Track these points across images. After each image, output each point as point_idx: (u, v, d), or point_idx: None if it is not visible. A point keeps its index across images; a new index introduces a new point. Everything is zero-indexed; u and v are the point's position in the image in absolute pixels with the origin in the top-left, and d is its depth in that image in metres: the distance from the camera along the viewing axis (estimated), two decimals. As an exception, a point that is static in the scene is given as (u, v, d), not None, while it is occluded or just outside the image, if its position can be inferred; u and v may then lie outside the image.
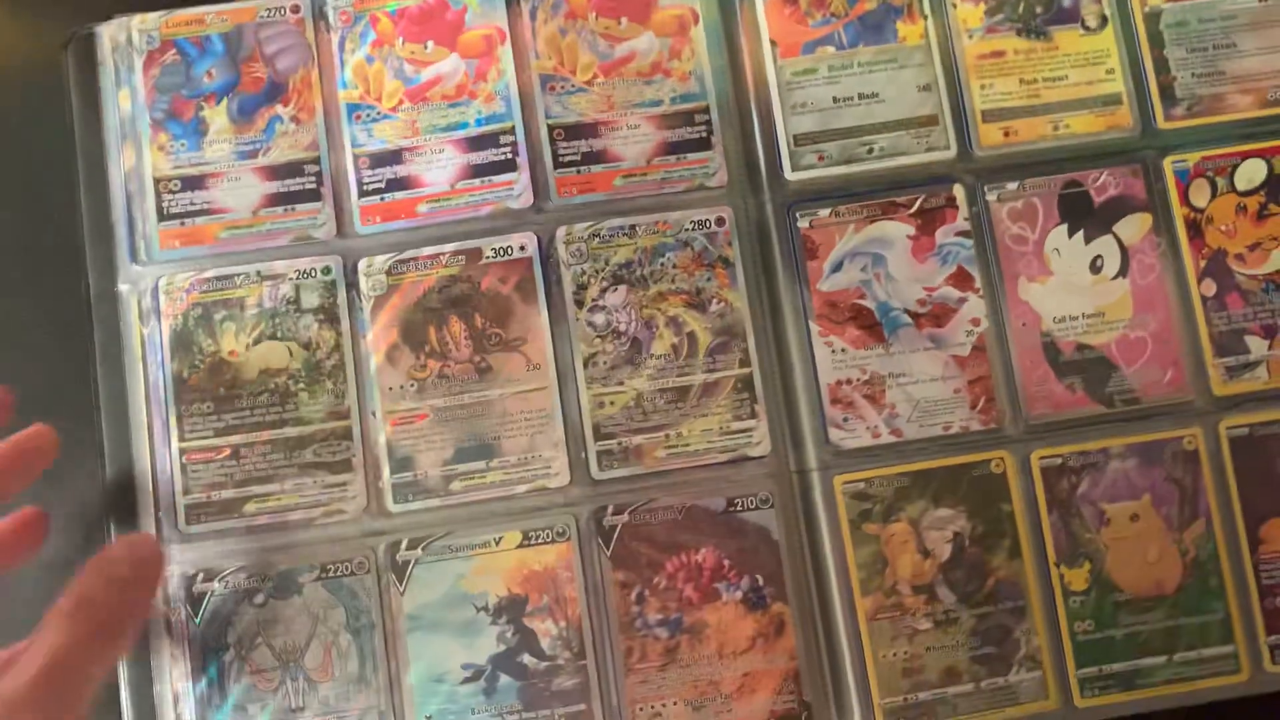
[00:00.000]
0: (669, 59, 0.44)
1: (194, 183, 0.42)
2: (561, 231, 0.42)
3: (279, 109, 0.43)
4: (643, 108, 0.43)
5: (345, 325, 0.42)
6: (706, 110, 0.43)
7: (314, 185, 0.43)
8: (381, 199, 0.43)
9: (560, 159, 0.43)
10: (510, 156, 0.43)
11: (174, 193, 0.42)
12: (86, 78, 0.44)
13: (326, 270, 0.42)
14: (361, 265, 0.42)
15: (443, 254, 0.42)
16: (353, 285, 0.42)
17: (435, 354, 0.42)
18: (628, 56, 0.44)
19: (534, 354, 0.42)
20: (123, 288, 0.42)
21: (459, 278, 0.42)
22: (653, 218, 0.43)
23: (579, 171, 0.43)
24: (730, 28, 0.44)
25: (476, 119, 0.43)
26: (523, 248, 0.42)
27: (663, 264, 0.43)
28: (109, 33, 0.44)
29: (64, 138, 0.43)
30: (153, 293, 0.42)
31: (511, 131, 0.43)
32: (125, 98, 0.43)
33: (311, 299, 0.42)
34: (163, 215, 0.42)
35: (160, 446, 0.41)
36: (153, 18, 0.43)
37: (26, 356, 0.43)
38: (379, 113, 0.43)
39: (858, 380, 0.42)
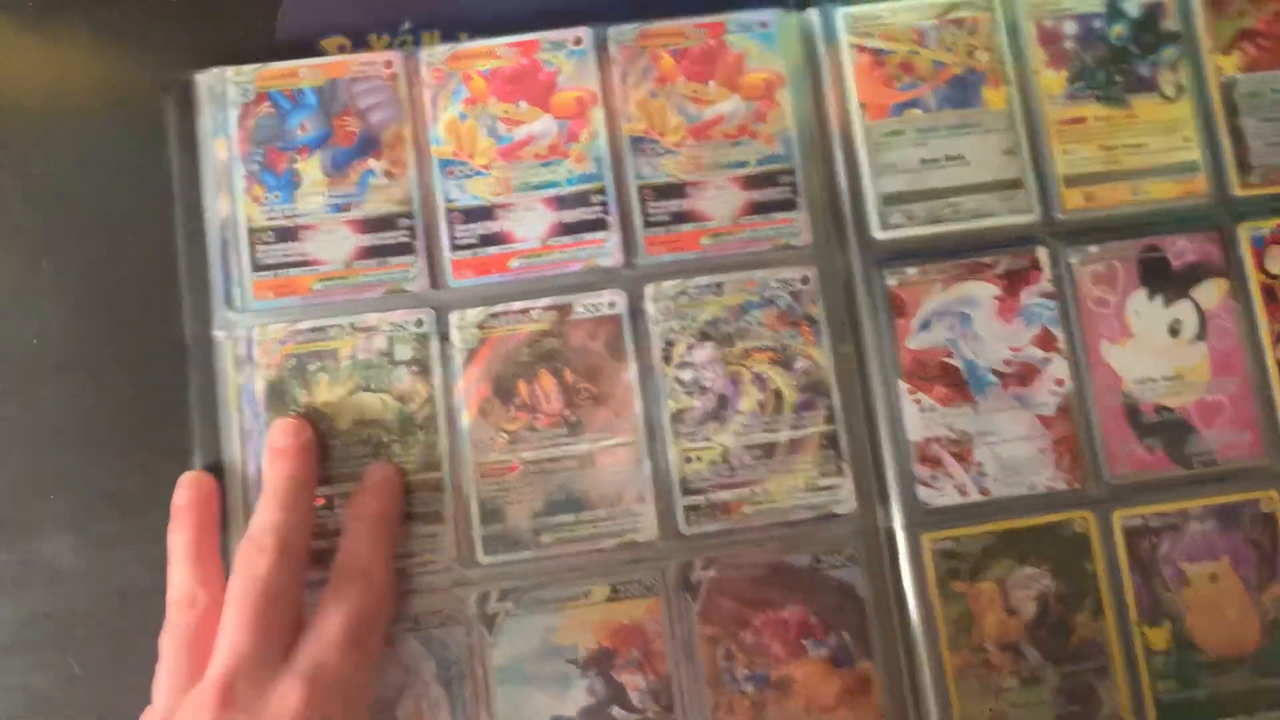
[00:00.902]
0: (755, 121, 0.45)
1: (287, 234, 0.44)
2: (650, 289, 0.44)
3: (372, 163, 0.45)
4: (730, 169, 0.45)
5: (437, 378, 0.43)
6: (791, 171, 0.45)
7: (407, 239, 0.44)
8: (473, 254, 0.44)
9: (650, 218, 0.44)
10: (601, 215, 0.44)
11: (268, 244, 0.44)
12: (185, 124, 0.45)
13: (419, 323, 0.44)
14: (453, 318, 0.44)
15: (533, 309, 0.44)
16: (445, 338, 0.44)
17: (525, 407, 0.43)
18: (715, 119, 0.45)
19: (623, 409, 0.43)
20: (218, 334, 0.44)
21: (549, 332, 0.44)
22: (739, 276, 0.44)
23: (668, 230, 0.44)
24: (817, 90, 0.46)
25: (568, 178, 0.45)
26: (612, 304, 0.44)
27: (749, 321, 0.44)
28: (206, 82, 0.45)
29: (162, 182, 0.45)
30: (247, 342, 0.43)
31: (602, 191, 0.45)
32: (221, 147, 0.45)
33: (404, 351, 0.43)
34: (257, 266, 0.44)
35: (254, 492, 0.42)
36: (248, 70, 0.45)
37: (121, 398, 0.44)
38: (471, 169, 0.45)
39: (946, 438, 0.44)
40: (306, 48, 0.47)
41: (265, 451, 0.43)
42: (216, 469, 0.43)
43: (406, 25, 0.47)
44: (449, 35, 0.46)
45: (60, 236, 0.45)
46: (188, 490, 0.42)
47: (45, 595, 0.43)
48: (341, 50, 0.46)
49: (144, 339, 0.45)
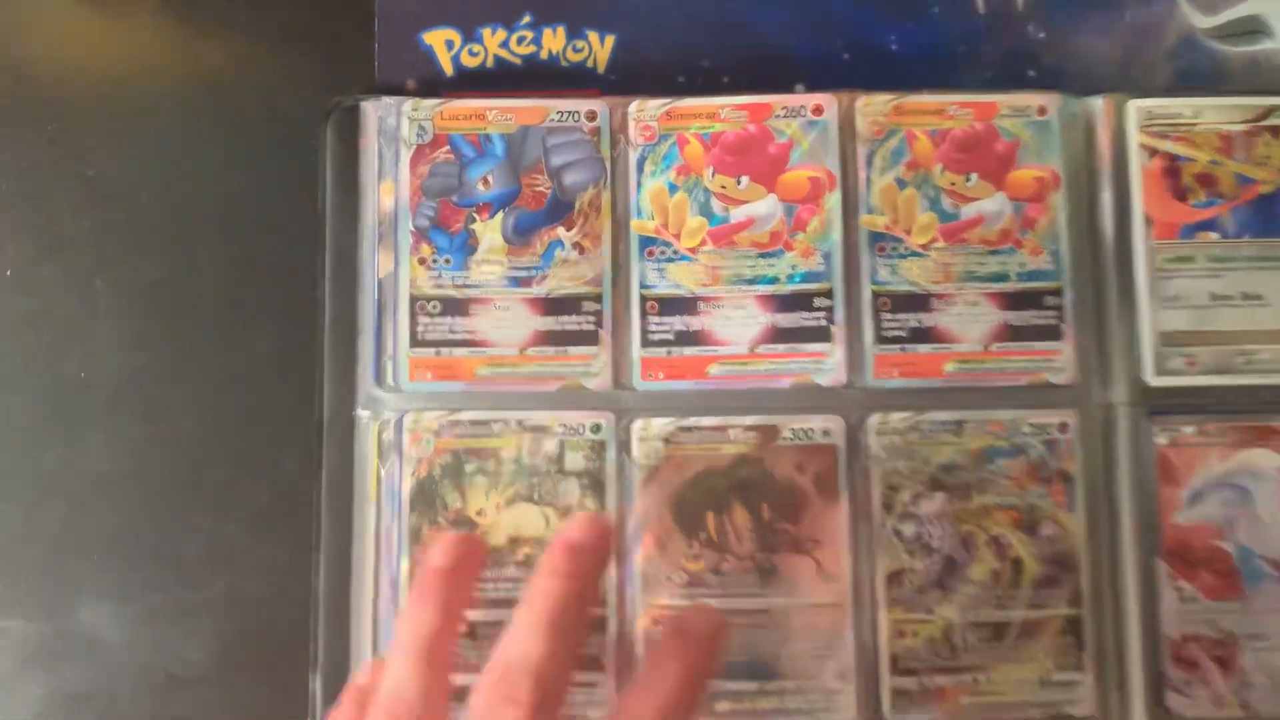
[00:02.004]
0: (1022, 227, 0.39)
1: (456, 307, 0.39)
2: (875, 420, 0.38)
3: (561, 232, 0.39)
4: (986, 282, 0.38)
5: (611, 496, 0.38)
6: (1060, 292, 0.38)
7: (592, 326, 0.38)
8: (667, 352, 0.38)
9: (883, 333, 0.38)
10: (824, 323, 0.38)
11: (432, 315, 0.39)
12: (345, 161, 0.40)
13: (596, 428, 0.38)
14: (636, 427, 0.38)
15: (732, 427, 0.38)
16: (625, 450, 0.38)
17: (712, 545, 0.38)
18: (975, 220, 0.39)
19: (828, 561, 0.37)
20: (361, 413, 0.39)
21: (749, 458, 0.38)
22: (985, 415, 0.38)
23: (903, 350, 0.38)
24: (1095, 197, 0.39)
25: (790, 275, 0.38)
26: (827, 433, 0.38)
27: (991, 471, 0.38)
28: (375, 112, 0.40)
29: (314, 224, 0.40)
30: (396, 427, 0.38)
31: (829, 294, 0.38)
32: (387, 193, 0.39)
33: (576, 460, 0.38)
34: (416, 340, 0.38)
35: (387, 609, 0.37)
36: (428, 105, 0.40)
37: (184, 446, 0.40)
38: (676, 251, 0.39)
39: (1207, 637, 0.37)
40: (408, 44, 0.42)
41: (541, 571, 0.34)
42: (343, 569, 0.38)
43: (527, 17, 0.41)
44: (576, 32, 0.40)
45: (120, 248, 0.41)
46: (453, 553, 0.35)
47: (82, 672, 0.40)
48: (449, 46, 0.41)
49: (280, 407, 0.40)
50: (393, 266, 0.40)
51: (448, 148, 0.40)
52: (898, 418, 0.38)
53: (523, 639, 0.32)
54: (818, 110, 0.40)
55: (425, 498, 0.39)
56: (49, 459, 0.40)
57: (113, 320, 0.41)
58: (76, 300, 0.41)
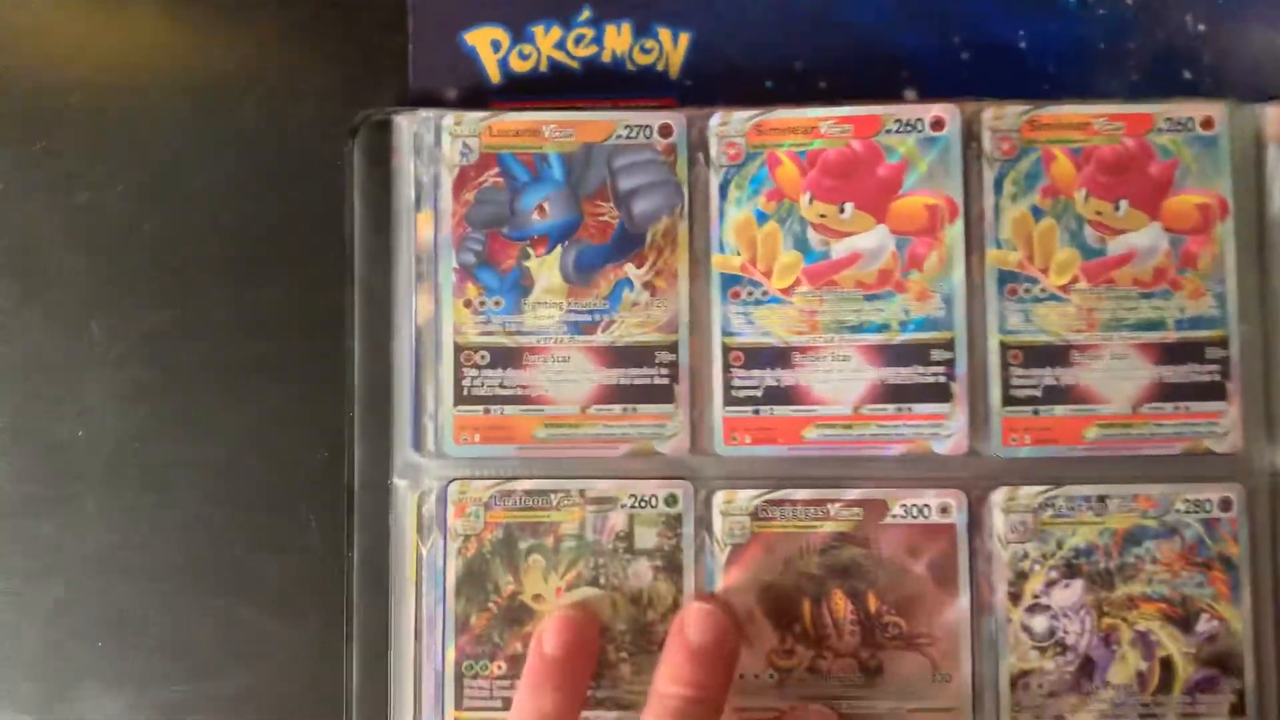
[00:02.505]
0: (1181, 265, 0.33)
1: (508, 357, 0.34)
2: (1001, 495, 0.33)
3: (630, 269, 0.34)
4: (1136, 330, 0.33)
5: (690, 579, 0.33)
6: (1224, 343, 0.33)
7: (666, 380, 0.33)
8: (755, 412, 0.33)
9: (1013, 392, 0.33)
10: (943, 379, 0.33)
11: (480, 367, 0.34)
12: (376, 186, 0.35)
13: (671, 500, 0.33)
14: (719, 500, 0.33)
15: (832, 501, 0.33)
16: (705, 525, 0.33)
17: (808, 638, 0.33)
18: (1124, 256, 0.33)
19: (944, 661, 0.32)
20: (399, 483, 0.34)
21: (851, 538, 0.33)
22: (1132, 489, 0.33)
23: (1036, 412, 0.33)
24: (1265, 228, 0.33)
25: (902, 322, 0.33)
26: (945, 510, 0.33)
27: (1138, 556, 0.33)
28: (410, 127, 0.34)
29: (340, 261, 0.35)
30: (440, 498, 0.33)
31: (949, 345, 0.33)
32: (426, 224, 0.34)
33: (648, 537, 0.33)
34: (462, 396, 0.34)
35: (430, 708, 0.33)
36: (472, 119, 0.34)
37: (266, 544, 0.36)
38: (765, 293, 0.33)
39: (1393, 757, 0.32)
40: (448, 47, 0.36)
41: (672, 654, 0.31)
42: (379, 662, 0.34)
43: (586, 13, 0.36)
44: (644, 29, 0.35)
45: (118, 288, 0.36)
46: (567, 637, 0.32)
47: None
48: (495, 48, 0.35)
49: (304, 476, 0.35)
50: (433, 310, 0.35)
51: (497, 170, 0.35)
52: (1029, 492, 0.33)
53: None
54: (937, 124, 0.34)
55: (474, 580, 0.34)
56: (42, 531, 0.36)
57: (110, 371, 0.36)
58: (68, 348, 0.36)
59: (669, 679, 0.31)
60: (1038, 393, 0.33)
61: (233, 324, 0.36)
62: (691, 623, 0.32)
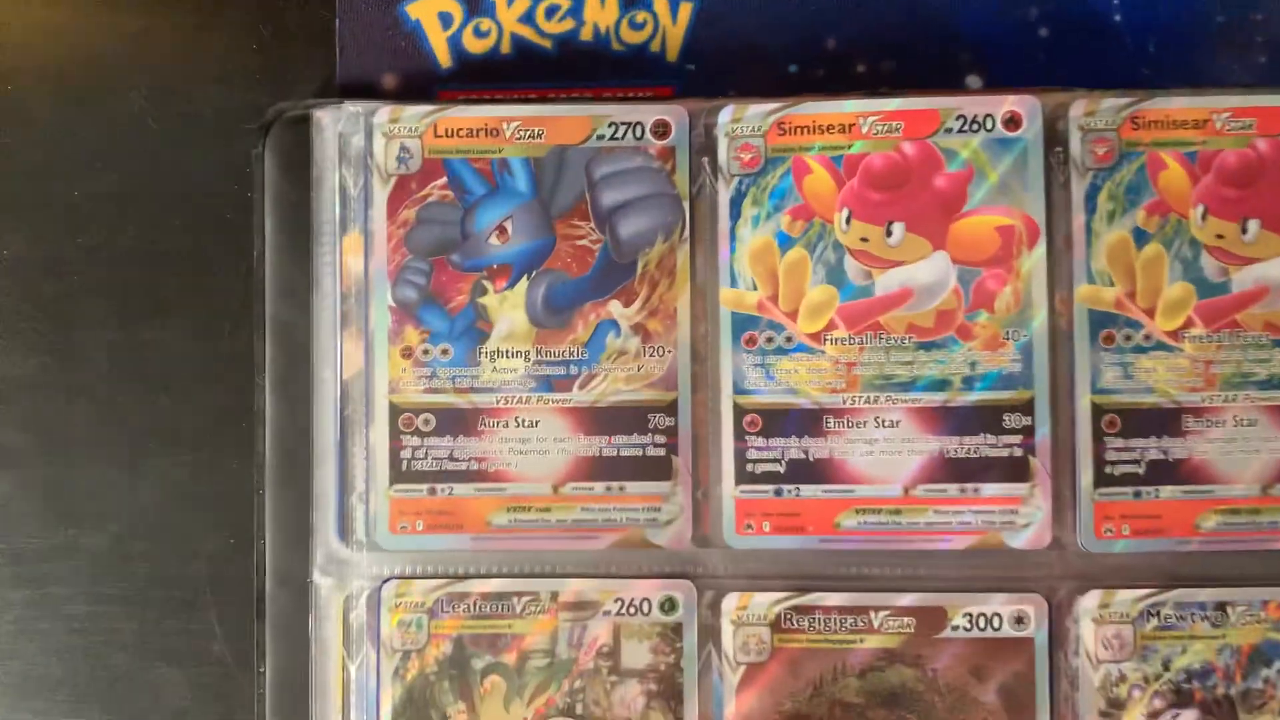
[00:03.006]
0: (1326, 305, 0.26)
1: (458, 422, 0.28)
2: (1092, 599, 0.26)
3: (615, 308, 0.27)
4: (1268, 389, 0.26)
5: (691, 709, 0.26)
6: (1381, 406, 0.26)
7: (662, 450, 0.27)
8: (776, 492, 0.27)
9: (1108, 469, 0.26)
10: (1020, 452, 0.26)
11: (424, 435, 0.27)
12: (291, 199, 0.28)
13: (668, 605, 0.27)
14: (729, 605, 0.27)
15: (876, 609, 0.26)
16: (711, 638, 0.26)
17: None
18: (1253, 293, 0.26)
19: (1021, 812, 0.26)
20: (320, 581, 0.28)
21: (900, 656, 0.26)
22: (1260, 594, 0.26)
23: (1138, 495, 0.26)
24: None
25: (967, 378, 0.27)
26: (1020, 620, 0.26)
27: (1268, 680, 0.26)
28: (332, 124, 0.28)
29: (245, 295, 0.29)
30: (372, 603, 0.27)
31: (1027, 408, 0.26)
32: (354, 248, 0.28)
33: (638, 653, 0.27)
34: (400, 472, 0.27)
35: None
36: (412, 114, 0.27)
37: (159, 656, 0.29)
38: (790, 339, 0.27)
39: None
40: (384, 20, 0.29)
41: None
42: None
43: None
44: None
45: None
46: None
47: None
48: (445, 22, 0.29)
49: (131, 532, 0.29)
50: (362, 362, 0.28)
51: (443, 180, 0.28)
52: (1127, 598, 0.27)
53: None
54: (1011, 121, 0.27)
55: (416, 709, 0.27)
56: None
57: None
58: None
59: None
60: (1140, 470, 0.28)
61: (118, 375, 0.30)
62: None
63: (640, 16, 0.30)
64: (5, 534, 0.30)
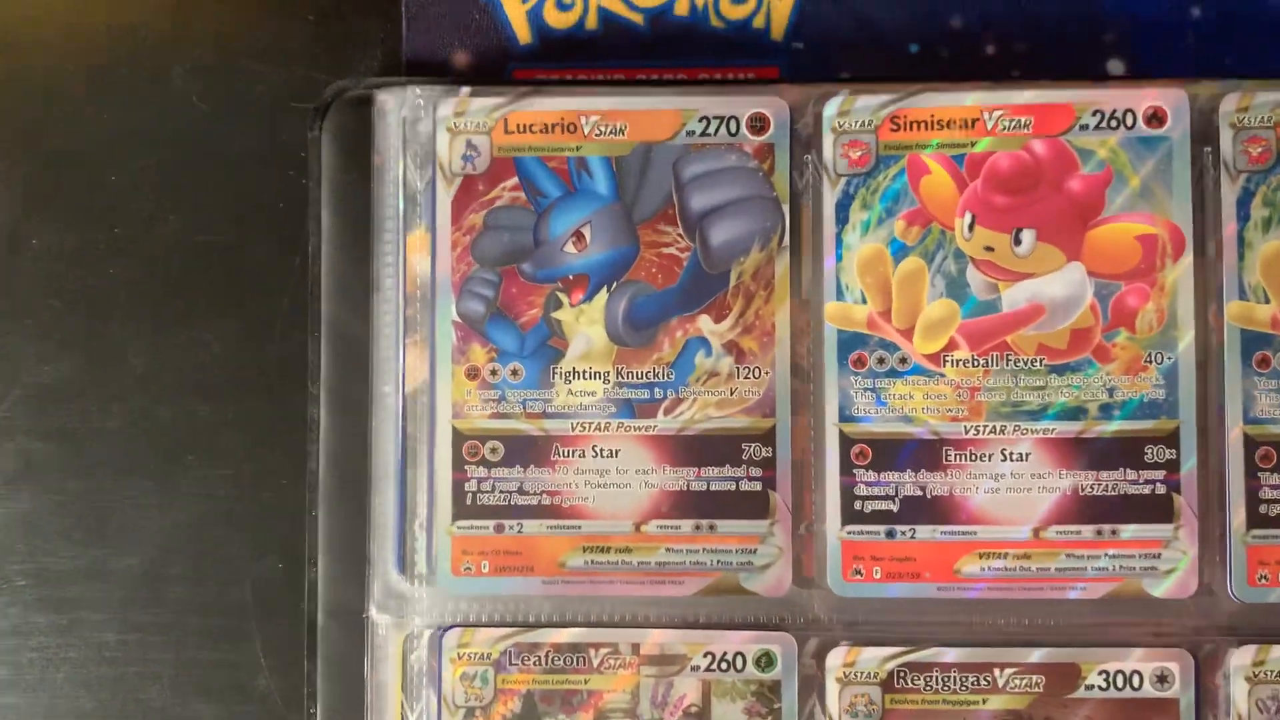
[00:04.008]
0: None
1: (529, 451, 0.26)
2: (1246, 655, 0.24)
3: (705, 325, 0.25)
4: None
5: None
6: None
7: (758, 484, 0.25)
8: (888, 534, 0.24)
9: (1263, 508, 0.24)
10: (1162, 489, 0.24)
11: (490, 465, 0.25)
12: (351, 188, 0.26)
13: (765, 660, 0.25)
14: (833, 661, 0.24)
15: (1001, 665, 0.24)
16: (816, 697, 0.24)
17: None
18: None
19: None
20: (377, 618, 0.26)
21: (1024, 717, 0.25)
22: None
23: None
24: None
25: (1105, 405, 0.24)
26: (1163, 679, 0.24)
27: None
28: (399, 110, 0.26)
29: (301, 295, 0.27)
30: (432, 648, 0.25)
31: (1172, 440, 0.24)
32: (419, 247, 0.25)
33: (731, 714, 0.25)
34: (464, 506, 0.25)
35: None
36: (480, 107, 0.25)
37: (199, 691, 0.27)
38: (904, 360, 0.25)
39: None
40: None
41: None
42: None
43: None
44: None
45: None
46: None
47: None
48: (563, 9, 0.27)
49: (166, 559, 0.27)
50: (427, 374, 0.26)
51: (514, 181, 0.26)
52: None
53: None
54: (1155, 117, 0.25)
55: None
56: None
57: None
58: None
59: None
60: None
61: (154, 379, 0.28)
62: None
63: (743, -10, 0.28)
64: (30, 554, 0.28)
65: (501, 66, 0.28)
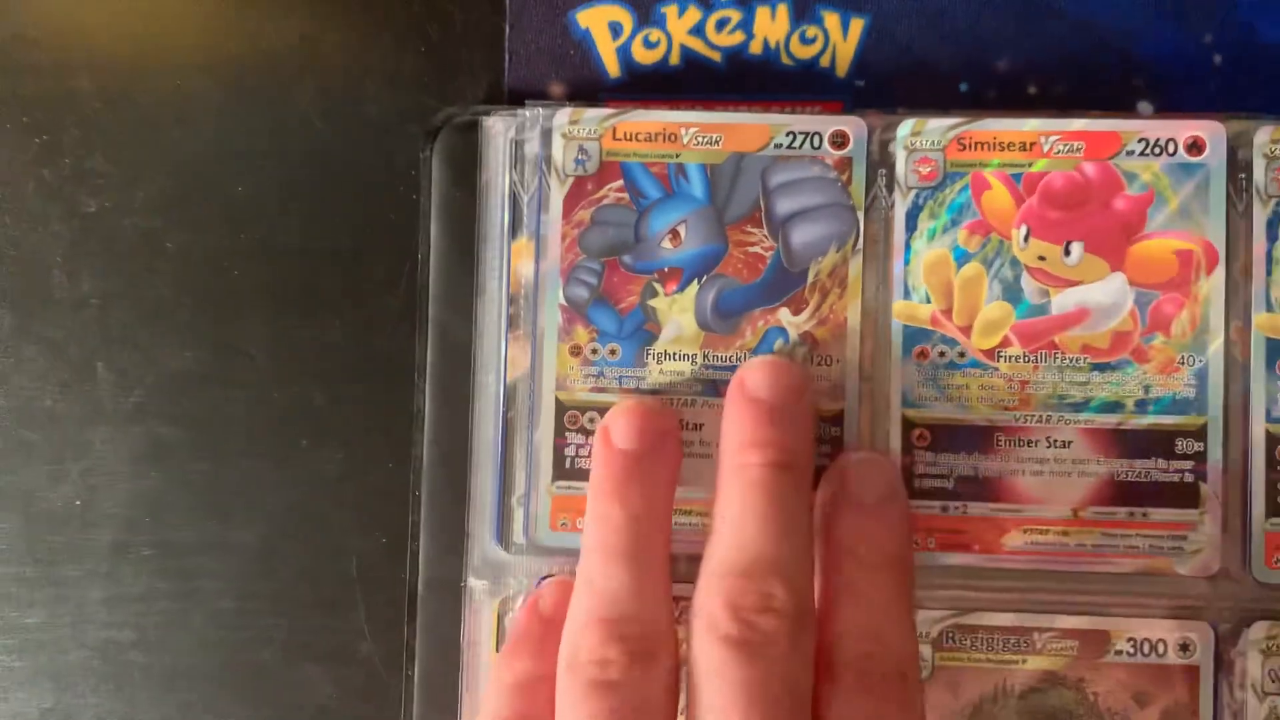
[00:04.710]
0: None
1: None
2: (1260, 630, 0.26)
3: (784, 316, 0.27)
4: None
5: None
6: None
7: (827, 462, 0.27)
8: (943, 509, 0.27)
9: None
10: (1191, 477, 0.26)
11: (588, 433, 0.27)
12: (459, 204, 0.29)
13: None
14: None
15: (1039, 630, 0.26)
16: None
17: None
18: None
19: (1181, 847, 0.26)
20: (474, 584, 0.28)
21: (1061, 679, 0.26)
22: None
23: None
24: None
25: (1141, 401, 0.27)
26: (1185, 648, 0.26)
27: None
28: (507, 132, 0.28)
29: (410, 297, 0.29)
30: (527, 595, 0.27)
31: (1200, 434, 0.27)
32: (523, 255, 0.28)
33: None
34: (564, 469, 0.27)
35: None
36: (593, 117, 0.28)
37: (305, 651, 0.29)
38: (963, 354, 0.27)
39: None
40: (553, 29, 0.29)
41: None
42: None
43: None
44: (806, 13, 0.29)
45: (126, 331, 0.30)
46: (645, 431, 0.26)
47: None
48: (615, 31, 0.29)
49: (278, 520, 0.29)
50: (528, 364, 0.28)
51: (620, 183, 0.28)
52: None
53: (754, 538, 0.24)
54: (1194, 146, 0.27)
55: None
56: (29, 623, 0.29)
57: (119, 426, 0.29)
58: (69, 394, 0.29)
59: (743, 445, 0.25)
60: None
61: (274, 370, 0.30)
62: (756, 377, 0.26)
63: (811, 31, 0.30)
64: (157, 527, 0.30)
65: (593, 98, 0.30)
